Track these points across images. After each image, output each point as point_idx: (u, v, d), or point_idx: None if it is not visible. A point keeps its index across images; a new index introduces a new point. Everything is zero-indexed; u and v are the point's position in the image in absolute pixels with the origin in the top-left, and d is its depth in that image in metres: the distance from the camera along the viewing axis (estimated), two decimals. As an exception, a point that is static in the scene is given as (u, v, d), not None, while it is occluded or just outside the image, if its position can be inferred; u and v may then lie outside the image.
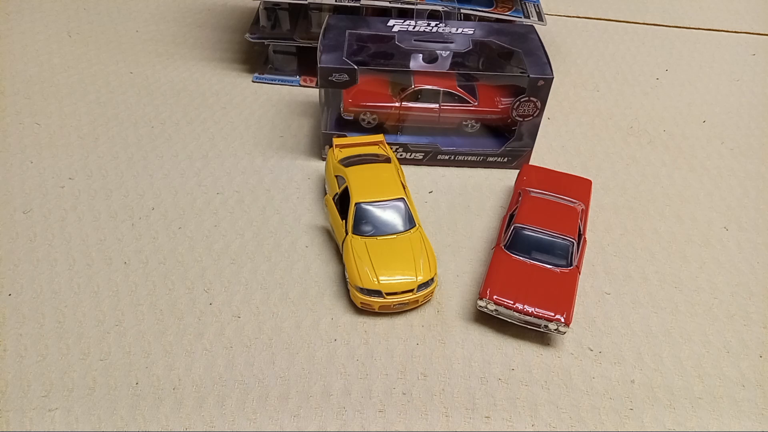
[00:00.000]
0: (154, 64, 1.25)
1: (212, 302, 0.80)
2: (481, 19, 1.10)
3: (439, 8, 1.08)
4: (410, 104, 1.00)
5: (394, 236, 0.81)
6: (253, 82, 1.21)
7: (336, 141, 0.94)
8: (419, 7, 1.08)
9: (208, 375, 0.72)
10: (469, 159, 1.01)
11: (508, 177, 1.01)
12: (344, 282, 0.82)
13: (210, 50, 1.30)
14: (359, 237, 0.81)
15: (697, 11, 1.56)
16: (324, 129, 1.00)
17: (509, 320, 0.76)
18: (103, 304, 0.79)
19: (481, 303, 0.76)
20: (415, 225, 0.83)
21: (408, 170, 1.00)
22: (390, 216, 0.83)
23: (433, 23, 1.02)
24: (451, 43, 0.98)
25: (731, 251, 0.91)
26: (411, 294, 0.77)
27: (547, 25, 1.17)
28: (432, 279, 0.78)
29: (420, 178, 1.00)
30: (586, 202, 0.89)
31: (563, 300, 0.75)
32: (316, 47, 0.95)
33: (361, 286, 0.77)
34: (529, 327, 0.76)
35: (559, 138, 1.11)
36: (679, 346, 0.78)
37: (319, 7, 1.16)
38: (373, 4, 1.09)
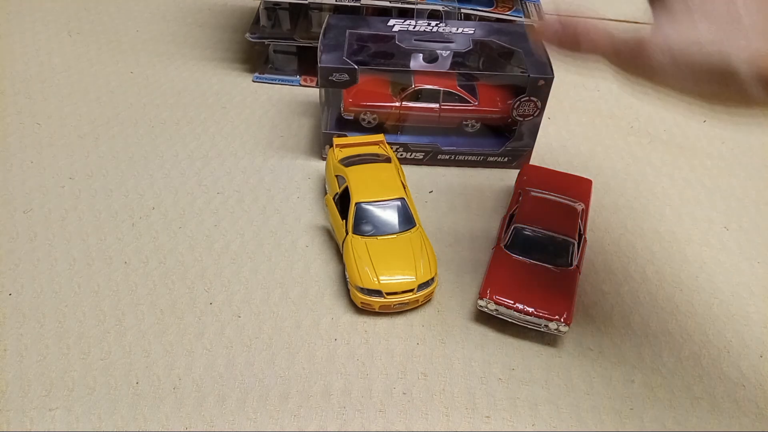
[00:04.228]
0: (154, 64, 1.25)
1: (212, 302, 0.80)
2: (482, 18, 1.10)
3: (440, 8, 1.08)
4: (410, 104, 1.00)
5: (395, 236, 0.81)
6: (253, 81, 1.21)
7: (336, 141, 0.94)
8: (419, 6, 1.08)
9: (208, 374, 0.72)
10: (469, 159, 1.01)
11: (508, 177, 1.01)
12: (344, 282, 0.82)
13: (210, 50, 1.30)
14: (359, 237, 0.81)
15: (697, 11, 1.56)
16: (324, 129, 1.00)
17: (509, 320, 0.76)
18: (103, 303, 0.79)
19: (482, 303, 0.76)
20: (415, 225, 0.83)
21: (408, 170, 0.99)
22: (390, 216, 0.83)
23: (433, 23, 1.02)
24: (452, 42, 0.98)
25: (731, 251, 0.91)
26: (411, 294, 0.77)
27: (547, 24, 1.17)
28: (432, 279, 0.78)
29: (420, 177, 1.00)
30: (587, 202, 0.89)
31: (563, 300, 0.75)
32: (317, 47, 0.95)
33: (362, 286, 0.77)
34: (529, 327, 0.76)
35: (559, 138, 1.11)
36: (679, 345, 0.78)
37: (320, 7, 1.16)
38: (374, 3, 1.09)
